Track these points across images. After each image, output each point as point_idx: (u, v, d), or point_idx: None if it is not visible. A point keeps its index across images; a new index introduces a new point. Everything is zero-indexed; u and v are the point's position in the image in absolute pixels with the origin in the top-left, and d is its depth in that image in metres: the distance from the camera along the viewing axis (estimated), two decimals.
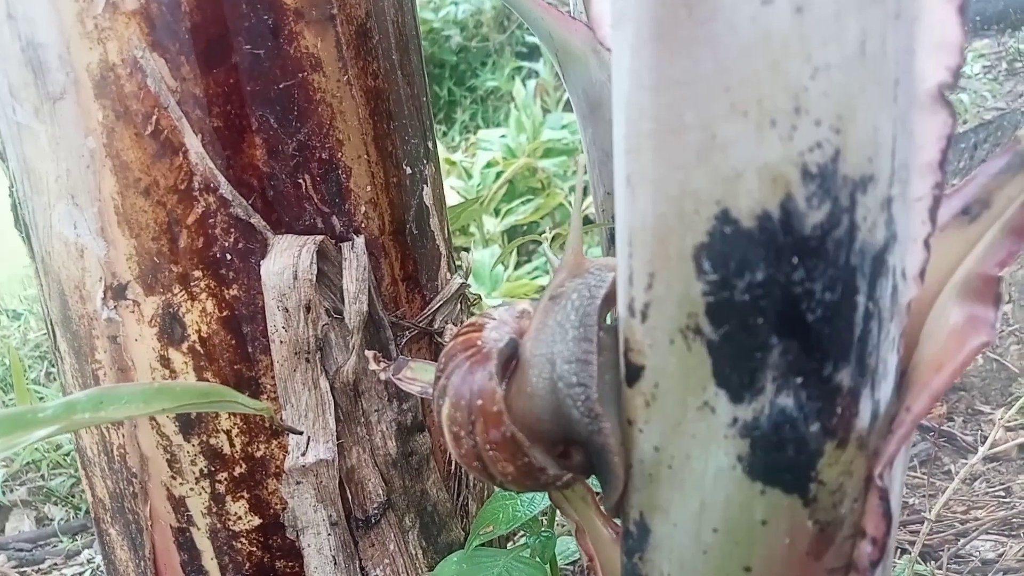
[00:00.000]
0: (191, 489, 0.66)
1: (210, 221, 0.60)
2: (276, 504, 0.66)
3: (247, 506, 0.66)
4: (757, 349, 0.29)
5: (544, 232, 1.00)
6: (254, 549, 0.67)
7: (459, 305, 0.76)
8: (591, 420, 0.34)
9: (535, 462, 0.36)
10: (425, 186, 0.71)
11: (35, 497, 1.52)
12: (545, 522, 0.77)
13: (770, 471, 0.31)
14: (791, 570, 0.33)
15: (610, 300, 0.35)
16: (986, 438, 1.33)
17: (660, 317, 0.31)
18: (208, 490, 0.65)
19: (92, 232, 0.61)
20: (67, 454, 1.59)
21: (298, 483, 0.65)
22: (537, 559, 0.70)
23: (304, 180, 0.61)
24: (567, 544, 0.89)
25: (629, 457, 0.35)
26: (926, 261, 0.32)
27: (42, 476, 1.56)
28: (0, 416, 0.41)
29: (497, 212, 2.29)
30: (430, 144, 0.73)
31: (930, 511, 0.93)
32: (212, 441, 0.64)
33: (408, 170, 0.68)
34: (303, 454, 0.64)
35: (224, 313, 0.62)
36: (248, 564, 0.67)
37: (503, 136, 2.70)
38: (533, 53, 3.47)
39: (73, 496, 1.52)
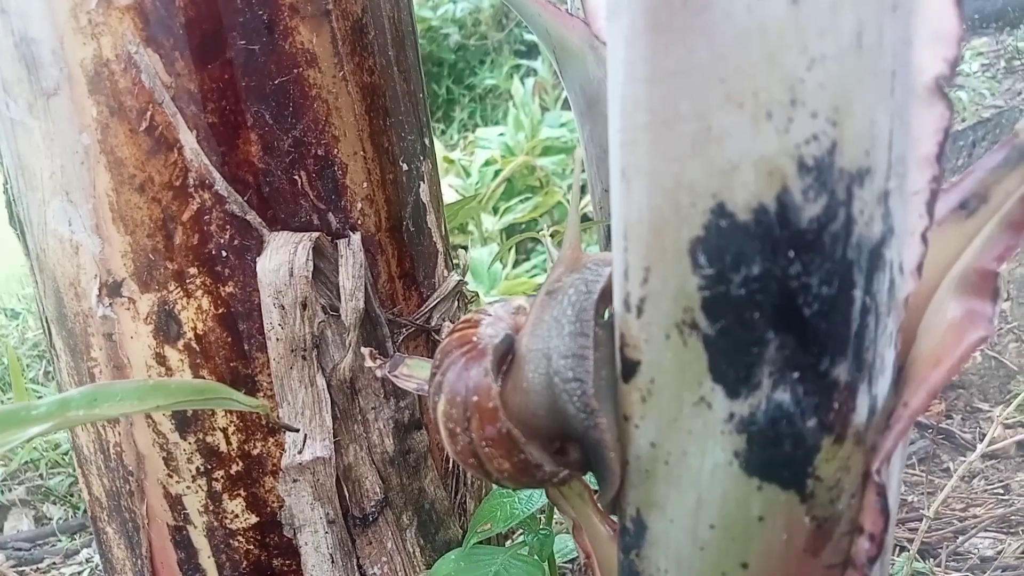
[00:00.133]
0: (188, 487, 0.65)
1: (205, 218, 0.60)
2: (273, 502, 0.66)
3: (244, 504, 0.66)
4: (753, 344, 0.29)
5: (542, 230, 1.00)
6: (251, 547, 0.67)
7: (456, 303, 0.75)
8: (587, 415, 0.34)
9: (531, 458, 0.36)
10: (422, 183, 0.71)
11: (34, 496, 1.52)
12: (543, 520, 0.76)
13: (767, 467, 0.31)
14: (788, 566, 0.33)
15: (607, 295, 0.34)
16: (984, 435, 1.33)
17: (656, 312, 0.30)
18: (205, 488, 0.65)
19: (87, 229, 0.60)
20: (65, 453, 1.58)
21: (295, 481, 0.65)
22: (535, 557, 0.70)
23: (300, 176, 0.61)
24: (565, 542, 0.89)
25: (625, 453, 0.34)
26: (924, 255, 0.32)
27: (40, 475, 1.56)
28: None
29: (495, 210, 2.29)
30: (427, 141, 0.72)
31: (928, 508, 0.93)
32: (208, 439, 0.64)
33: (405, 166, 0.68)
34: (300, 452, 0.64)
35: (220, 310, 0.62)
36: (245, 562, 0.67)
37: (501, 134, 2.70)
38: (532, 51, 3.47)
39: (71, 495, 1.52)
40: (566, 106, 3.03)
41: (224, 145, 0.59)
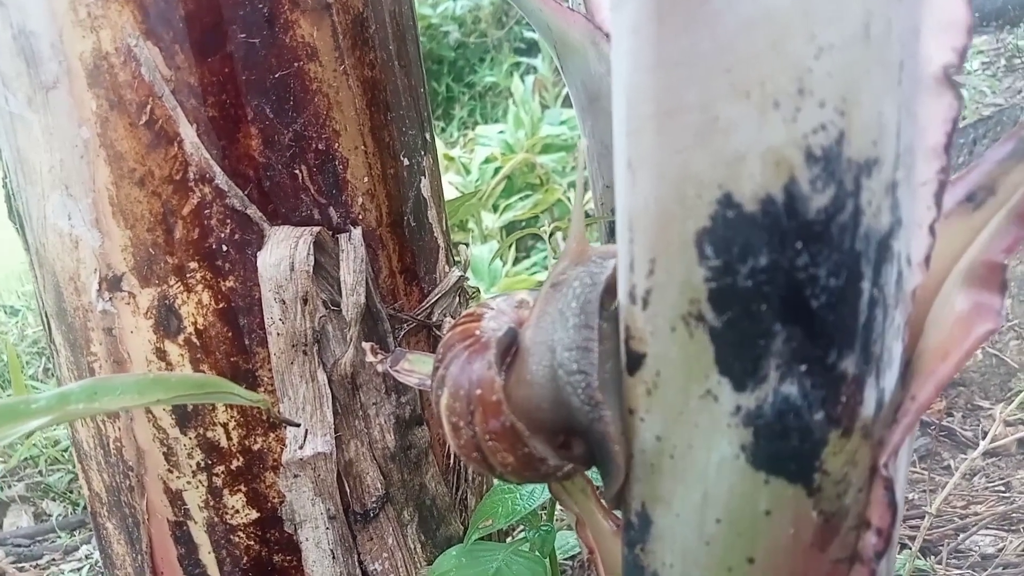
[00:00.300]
0: (188, 482, 0.65)
1: (206, 212, 0.59)
2: (274, 497, 0.66)
3: (244, 499, 0.65)
4: (760, 336, 0.29)
5: (544, 227, 1.00)
6: (252, 543, 0.67)
7: (457, 298, 0.75)
8: (591, 408, 0.33)
9: (535, 452, 0.36)
10: (423, 178, 0.71)
11: (33, 493, 1.52)
12: (544, 516, 0.76)
13: (774, 460, 0.30)
14: (795, 561, 0.32)
15: (612, 288, 0.34)
16: (985, 433, 1.33)
17: (661, 304, 0.30)
18: (205, 483, 0.65)
19: (86, 223, 0.60)
20: (65, 450, 1.58)
21: (296, 476, 0.65)
22: (536, 553, 0.70)
23: (301, 171, 0.61)
24: (566, 539, 0.89)
25: (630, 447, 0.34)
26: (931, 247, 0.31)
27: (40, 472, 1.55)
28: None
29: (495, 208, 2.29)
30: (428, 136, 0.72)
31: (931, 505, 0.93)
32: (209, 434, 0.64)
33: (405, 161, 0.68)
34: (301, 447, 0.64)
35: (220, 305, 0.61)
36: (246, 558, 0.67)
37: (501, 132, 2.70)
38: (532, 49, 3.46)
39: (71, 492, 1.51)
40: (566, 104, 3.03)
41: (224, 139, 0.59)
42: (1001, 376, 1.46)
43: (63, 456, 1.58)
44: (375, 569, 0.70)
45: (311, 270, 0.60)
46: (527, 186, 2.40)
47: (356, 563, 0.69)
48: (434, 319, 0.71)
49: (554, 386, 0.34)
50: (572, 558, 1.03)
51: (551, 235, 0.93)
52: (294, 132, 0.60)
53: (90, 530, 1.40)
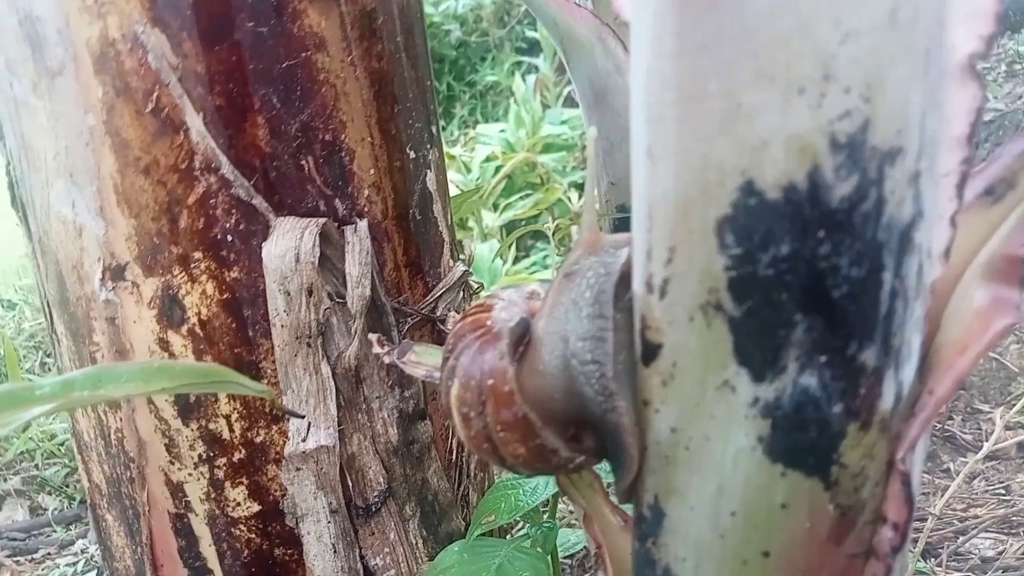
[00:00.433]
0: (189, 474, 0.65)
1: (211, 202, 0.59)
2: (276, 490, 0.65)
3: (246, 492, 0.65)
4: (781, 326, 0.28)
5: (548, 224, 1.00)
6: (253, 536, 0.66)
7: (461, 293, 0.75)
8: (605, 399, 0.33)
9: (547, 444, 0.35)
10: (428, 171, 0.70)
11: (29, 487, 1.51)
12: (546, 513, 0.76)
13: (791, 453, 0.30)
14: (811, 555, 0.32)
15: (626, 277, 0.34)
16: (985, 437, 1.33)
17: (680, 293, 0.30)
18: (207, 476, 0.64)
19: (91, 211, 0.60)
20: (61, 444, 1.57)
21: (298, 469, 0.64)
22: (539, 550, 0.70)
23: (307, 162, 0.60)
24: (566, 536, 0.89)
25: (644, 439, 0.34)
26: (952, 239, 0.31)
27: (36, 466, 1.55)
28: None
29: (495, 207, 2.28)
30: (434, 129, 0.72)
31: (935, 507, 0.93)
32: (211, 426, 0.63)
33: (412, 154, 0.67)
34: (303, 440, 0.63)
35: (225, 296, 0.61)
36: (247, 551, 0.66)
37: (502, 131, 2.69)
38: (533, 48, 3.46)
39: (67, 486, 1.51)
40: (567, 103, 3.02)
41: (231, 128, 0.58)
42: (1001, 380, 1.46)
43: (59, 450, 1.57)
44: (376, 564, 0.69)
45: (316, 262, 0.60)
46: (527, 185, 2.39)
47: (357, 557, 0.68)
48: (438, 313, 0.71)
49: (567, 376, 0.34)
50: (571, 556, 1.03)
51: (555, 232, 0.93)
52: (301, 122, 0.60)
53: (86, 524, 1.40)
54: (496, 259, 1.88)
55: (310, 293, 0.60)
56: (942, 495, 1.07)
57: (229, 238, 0.60)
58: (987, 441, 1.18)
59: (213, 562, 0.67)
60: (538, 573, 0.66)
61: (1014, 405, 1.36)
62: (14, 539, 1.36)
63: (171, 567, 0.69)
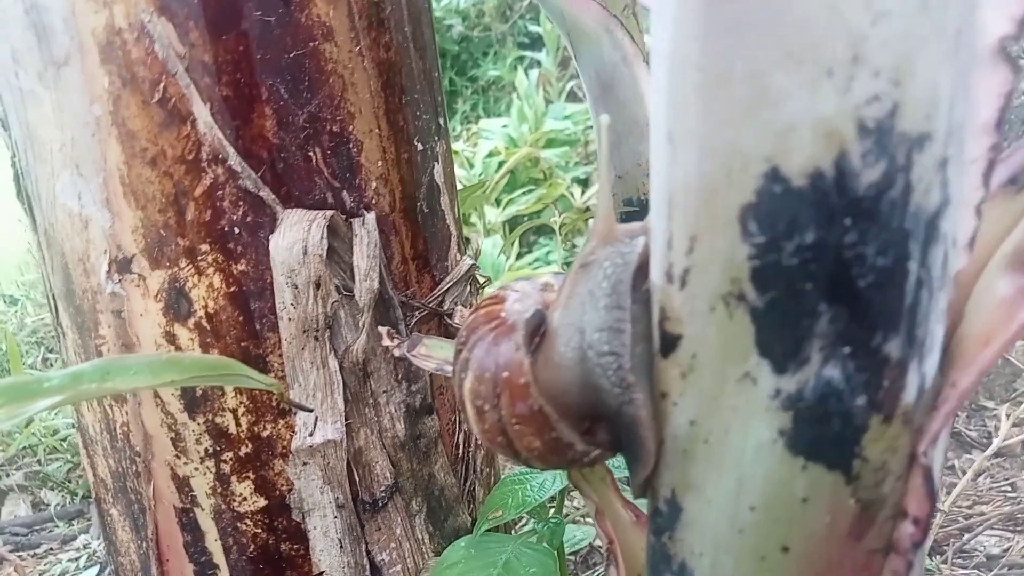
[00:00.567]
0: (196, 469, 0.64)
1: (218, 193, 0.58)
2: (282, 485, 0.65)
3: (252, 487, 0.65)
4: (804, 316, 0.28)
5: (555, 218, 0.99)
6: (259, 531, 0.66)
7: (468, 287, 0.74)
8: (622, 391, 0.32)
9: (562, 437, 0.35)
10: (436, 164, 0.70)
11: (31, 482, 1.51)
12: (552, 509, 0.75)
13: (813, 446, 0.30)
14: (831, 550, 0.32)
15: (644, 267, 0.33)
16: (989, 434, 1.33)
17: (701, 283, 0.29)
18: (213, 470, 0.64)
19: (97, 203, 0.59)
20: (64, 439, 1.57)
21: (305, 464, 0.64)
22: (545, 545, 0.69)
23: (315, 153, 0.60)
24: (572, 532, 0.88)
25: (661, 432, 0.33)
26: (977, 229, 0.30)
27: (39, 461, 1.55)
28: (4, 385, 0.39)
29: (498, 202, 2.27)
30: (441, 121, 0.71)
31: (943, 504, 0.92)
32: (218, 420, 0.63)
33: (419, 146, 0.67)
34: (311, 434, 0.63)
35: (232, 289, 0.60)
36: (252, 546, 0.66)
37: (505, 126, 2.68)
38: (536, 43, 3.45)
39: (70, 481, 1.50)
40: (570, 98, 3.02)
41: (238, 119, 0.57)
42: (1007, 377, 1.45)
43: (62, 445, 1.57)
44: (382, 559, 0.69)
45: (324, 254, 0.59)
46: (530, 181, 2.39)
47: (364, 553, 0.68)
48: (445, 307, 0.71)
49: (583, 368, 0.34)
50: (575, 552, 1.02)
51: (561, 227, 0.92)
52: (309, 113, 0.59)
53: (88, 519, 1.39)
54: (500, 255, 1.88)
55: (318, 286, 0.60)
56: (948, 492, 1.07)
57: (236, 230, 0.59)
58: (995, 437, 1.18)
59: (219, 557, 0.67)
60: (545, 569, 0.66)
61: (1020, 402, 1.35)
62: (16, 534, 1.36)
63: (177, 562, 0.68)
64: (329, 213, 0.60)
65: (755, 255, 0.28)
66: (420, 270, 0.68)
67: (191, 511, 0.66)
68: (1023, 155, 0.33)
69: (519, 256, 2.07)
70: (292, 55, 0.58)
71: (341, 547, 0.66)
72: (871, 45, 0.25)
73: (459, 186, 2.11)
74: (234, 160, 0.58)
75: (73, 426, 1.56)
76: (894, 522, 0.32)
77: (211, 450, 0.64)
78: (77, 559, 1.31)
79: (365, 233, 0.61)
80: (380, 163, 0.63)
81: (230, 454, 0.64)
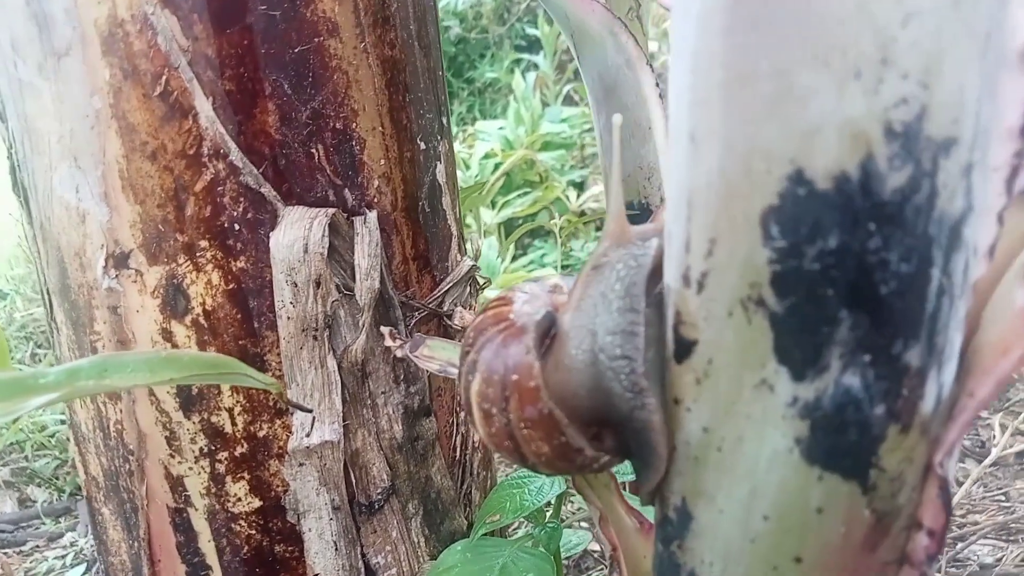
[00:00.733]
0: (190, 468, 0.63)
1: (219, 189, 0.58)
2: (277, 486, 0.64)
3: (247, 487, 0.64)
4: (825, 323, 0.27)
5: (553, 220, 0.99)
6: (253, 532, 0.65)
7: (468, 288, 0.74)
8: (634, 395, 0.32)
9: (572, 442, 0.34)
10: (438, 163, 0.69)
11: (18, 478, 1.50)
12: (549, 513, 0.75)
13: (830, 455, 0.29)
14: (844, 562, 0.31)
15: (658, 270, 0.33)
16: (983, 443, 1.33)
17: (719, 287, 0.29)
18: (208, 470, 0.63)
19: (95, 196, 0.58)
20: (52, 435, 1.56)
21: (301, 465, 0.63)
22: (541, 549, 0.68)
23: (317, 150, 0.59)
24: (568, 537, 0.88)
25: (673, 438, 0.33)
26: (998, 236, 0.30)
27: (26, 457, 1.53)
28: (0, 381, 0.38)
29: (493, 204, 2.27)
30: (444, 120, 0.70)
31: None
32: (213, 419, 0.62)
33: (422, 145, 0.66)
34: (308, 435, 0.62)
35: (230, 286, 0.59)
36: (246, 547, 0.65)
37: (501, 128, 2.68)
38: (533, 46, 3.45)
39: (57, 478, 1.49)
40: (567, 102, 3.01)
41: (241, 114, 0.57)
42: None
43: (49, 442, 1.56)
44: (377, 562, 0.68)
45: (325, 252, 0.58)
46: (526, 183, 2.38)
47: (359, 555, 0.67)
48: (445, 308, 0.70)
49: (594, 371, 0.33)
50: (568, 557, 1.01)
51: (561, 229, 0.91)
52: (312, 110, 0.58)
53: (75, 517, 1.38)
54: (497, 257, 1.87)
55: (318, 285, 0.59)
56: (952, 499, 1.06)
57: (236, 227, 0.58)
58: (989, 447, 1.18)
59: (212, 558, 0.66)
60: (542, 574, 0.65)
61: (1013, 411, 1.35)
62: (2, 531, 1.35)
63: (169, 562, 0.67)
64: (331, 211, 0.59)
65: (776, 259, 0.27)
66: (421, 270, 0.68)
67: (184, 511, 0.65)
68: None
69: (514, 258, 2.06)
70: (296, 50, 0.57)
71: (336, 549, 0.66)
72: (901, 46, 0.24)
73: None
74: (236, 156, 0.57)
75: (62, 422, 1.55)
76: (908, 533, 0.31)
77: (206, 449, 0.63)
78: (63, 557, 1.30)
79: (367, 232, 0.61)
80: (383, 161, 0.63)
81: (225, 454, 0.63)
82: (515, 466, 1.36)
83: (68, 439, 1.53)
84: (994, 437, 1.31)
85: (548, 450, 0.35)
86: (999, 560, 1.08)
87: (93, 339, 0.63)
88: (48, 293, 0.66)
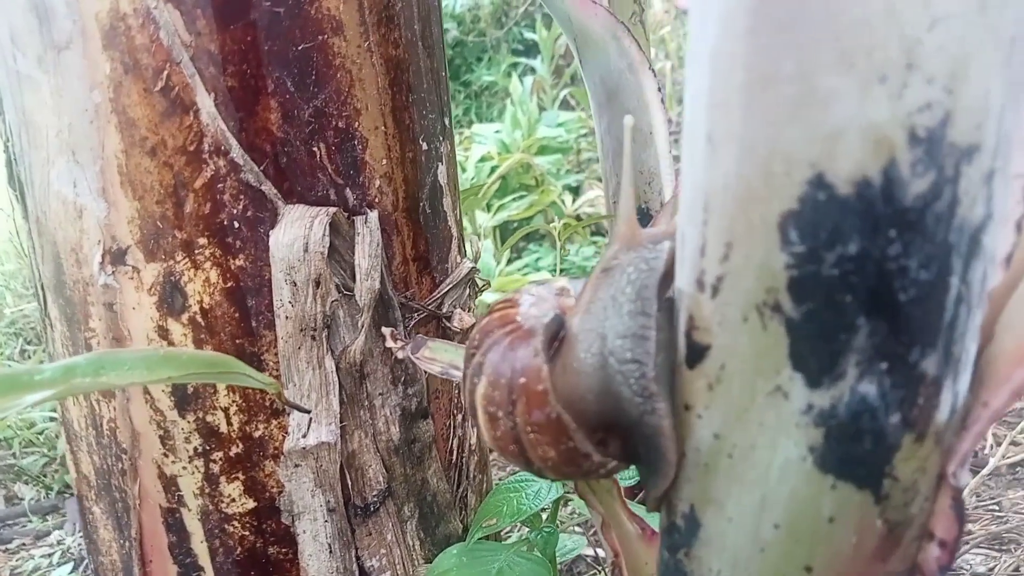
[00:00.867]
0: (184, 468, 0.62)
1: (219, 186, 0.57)
2: (272, 487, 0.63)
3: (242, 488, 0.63)
4: (842, 330, 0.27)
5: (553, 223, 0.98)
6: (246, 533, 0.64)
7: (467, 290, 0.73)
8: (644, 400, 0.31)
9: (579, 447, 0.34)
10: (440, 164, 0.68)
11: (6, 475, 1.48)
12: (545, 517, 0.74)
13: (844, 464, 0.29)
14: (854, 572, 0.31)
15: (670, 274, 0.32)
16: (976, 453, 1.33)
17: (734, 292, 0.28)
18: (202, 470, 0.62)
19: (92, 192, 0.57)
20: (40, 432, 1.54)
21: (297, 466, 0.62)
22: (536, 553, 0.68)
23: (319, 148, 0.58)
24: (563, 542, 0.87)
25: (683, 445, 0.32)
26: (1015, 245, 0.30)
27: (14, 454, 1.52)
28: None
29: (489, 207, 2.26)
30: (446, 121, 0.70)
31: None
32: (209, 418, 0.61)
33: (424, 146, 0.66)
34: (304, 435, 0.61)
35: (228, 284, 0.59)
36: (239, 548, 0.64)
37: (498, 131, 2.67)
38: (530, 50, 3.45)
39: (45, 476, 1.48)
40: (564, 106, 3.01)
41: (242, 111, 0.56)
42: None
43: (38, 439, 1.54)
44: (372, 565, 0.67)
45: (325, 252, 0.58)
46: (522, 187, 2.38)
47: (353, 558, 0.66)
48: (444, 310, 0.69)
49: (603, 375, 0.32)
50: (560, 563, 1.01)
51: (560, 232, 0.91)
52: (314, 108, 0.58)
53: (63, 515, 1.37)
54: (491, 260, 1.86)
55: (317, 284, 0.58)
56: None
57: (236, 224, 0.58)
58: (985, 455, 1.18)
59: (204, 559, 0.65)
60: None
61: (1007, 422, 1.35)
62: None
63: (160, 563, 0.66)
64: (332, 210, 0.58)
65: (794, 264, 0.27)
66: (420, 271, 0.67)
67: (177, 511, 0.64)
68: None
69: (509, 262, 2.06)
70: (300, 48, 0.56)
71: (330, 552, 0.65)
72: (927, 50, 0.24)
73: None
74: (236, 152, 0.56)
75: (51, 419, 1.53)
76: (919, 544, 0.31)
77: (200, 449, 0.62)
78: (50, 555, 1.28)
79: (367, 231, 0.60)
80: (384, 161, 0.62)
81: (220, 454, 0.62)
82: (509, 470, 1.35)
83: (57, 436, 1.51)
84: (986, 447, 1.31)
85: (555, 455, 0.34)
86: (991, 570, 1.08)
87: (88, 336, 0.62)
88: (42, 289, 0.65)
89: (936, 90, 0.24)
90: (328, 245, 0.58)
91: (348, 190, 0.60)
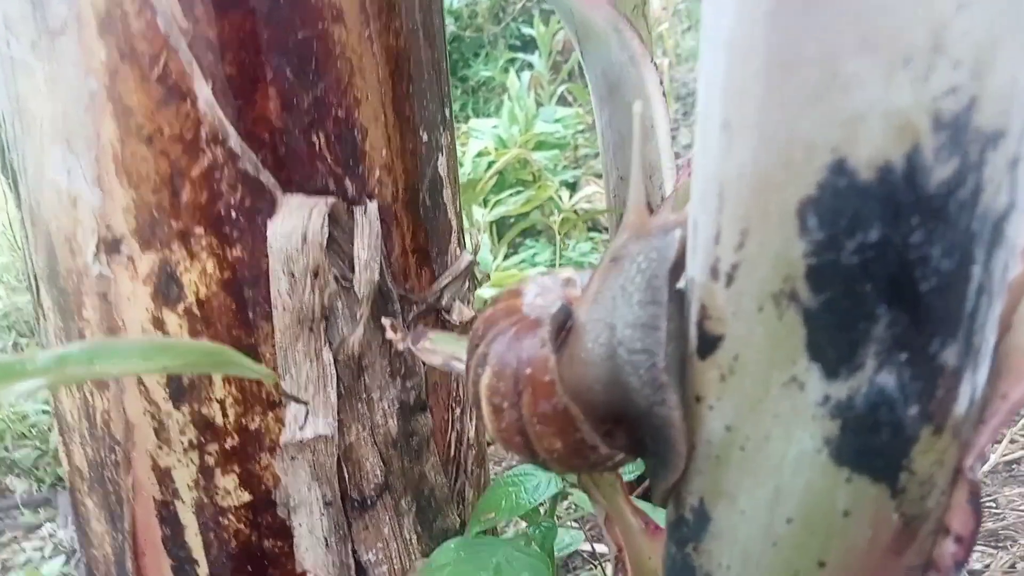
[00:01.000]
0: (178, 460, 0.62)
1: (216, 175, 0.56)
2: (268, 480, 0.62)
3: (237, 481, 0.62)
4: (861, 319, 0.26)
5: (553, 217, 0.97)
6: (241, 526, 0.63)
7: (467, 282, 0.72)
8: (654, 391, 0.31)
9: (586, 439, 0.33)
10: (440, 155, 0.68)
11: None
12: (544, 512, 0.74)
13: (860, 456, 0.28)
14: (869, 566, 0.30)
15: (680, 263, 0.32)
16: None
17: (750, 280, 0.28)
18: (196, 462, 0.61)
19: (87, 180, 0.56)
20: (32, 425, 1.53)
21: (293, 459, 0.62)
22: (536, 549, 0.67)
23: (318, 138, 0.58)
24: (561, 537, 0.86)
25: (693, 436, 0.32)
26: None
27: (6, 447, 1.51)
28: None
29: (485, 202, 2.26)
30: (447, 112, 0.69)
31: None
32: (204, 410, 0.60)
33: (424, 137, 0.65)
34: (301, 428, 0.60)
35: (225, 274, 0.58)
36: (234, 542, 0.63)
37: (495, 127, 2.66)
38: (528, 46, 3.44)
39: (37, 468, 1.47)
40: (561, 102, 3.00)
41: (241, 99, 0.55)
42: None
43: (30, 431, 1.53)
44: (368, 559, 0.67)
45: (324, 242, 0.57)
46: (519, 182, 2.37)
47: (350, 552, 0.66)
48: (443, 303, 0.68)
49: (611, 366, 0.32)
50: (557, 557, 1.00)
51: (560, 225, 0.90)
52: (314, 97, 0.57)
53: (54, 508, 1.36)
54: (490, 254, 1.86)
55: (315, 275, 0.58)
56: None
57: (233, 214, 0.57)
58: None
59: (198, 552, 0.64)
60: (537, 573, 0.64)
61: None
62: None
63: (153, 556, 0.65)
64: (331, 200, 0.58)
65: (812, 252, 0.26)
66: (420, 263, 0.66)
67: (171, 504, 0.63)
68: None
69: (505, 257, 2.05)
70: (300, 36, 0.55)
71: (327, 546, 0.64)
72: (954, 33, 0.23)
73: None
74: (234, 141, 0.55)
75: (44, 411, 1.52)
76: (935, 538, 0.31)
77: (195, 441, 0.61)
78: (42, 548, 1.28)
79: (367, 222, 0.59)
80: (384, 152, 0.61)
81: (215, 446, 0.61)
82: (506, 464, 1.35)
83: (49, 429, 1.50)
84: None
85: (561, 446, 0.33)
86: (987, 566, 1.08)
87: (81, 327, 0.61)
88: (35, 279, 0.64)
89: (962, 74, 0.24)
90: (327, 236, 0.57)
91: (347, 180, 0.59)
